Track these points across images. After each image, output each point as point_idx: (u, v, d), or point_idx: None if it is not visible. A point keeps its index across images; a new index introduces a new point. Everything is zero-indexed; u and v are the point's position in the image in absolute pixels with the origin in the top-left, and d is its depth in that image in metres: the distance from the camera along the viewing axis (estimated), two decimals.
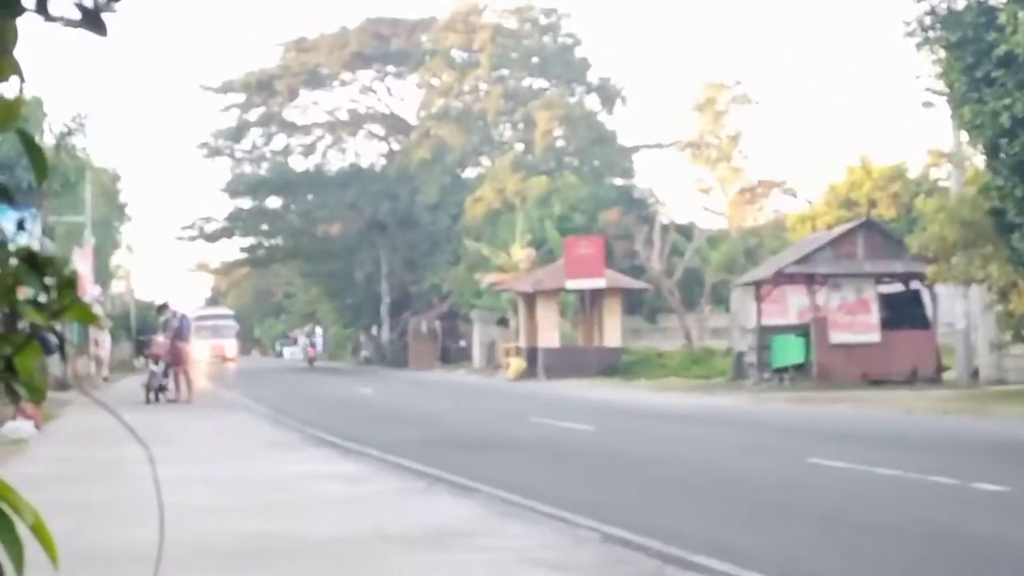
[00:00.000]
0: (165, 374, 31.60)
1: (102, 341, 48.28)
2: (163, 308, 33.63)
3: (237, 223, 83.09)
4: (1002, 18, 22.96)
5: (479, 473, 14.64)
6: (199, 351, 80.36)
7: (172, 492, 12.61)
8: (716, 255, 57.22)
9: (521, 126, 74.96)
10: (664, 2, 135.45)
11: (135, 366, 59.54)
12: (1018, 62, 22.87)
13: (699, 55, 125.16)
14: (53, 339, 2.20)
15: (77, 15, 2.18)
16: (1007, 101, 23.10)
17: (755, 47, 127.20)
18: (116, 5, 2.19)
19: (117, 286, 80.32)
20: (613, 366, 47.39)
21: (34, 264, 2.13)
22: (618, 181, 72.76)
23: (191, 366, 33.32)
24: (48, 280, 2.14)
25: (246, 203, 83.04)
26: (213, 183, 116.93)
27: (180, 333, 31.89)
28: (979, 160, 29.89)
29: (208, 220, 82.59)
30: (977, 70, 24.10)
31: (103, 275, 62.63)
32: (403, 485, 14.11)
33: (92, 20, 2.19)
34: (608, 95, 76.60)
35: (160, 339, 31.79)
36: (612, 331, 50.36)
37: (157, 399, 31.03)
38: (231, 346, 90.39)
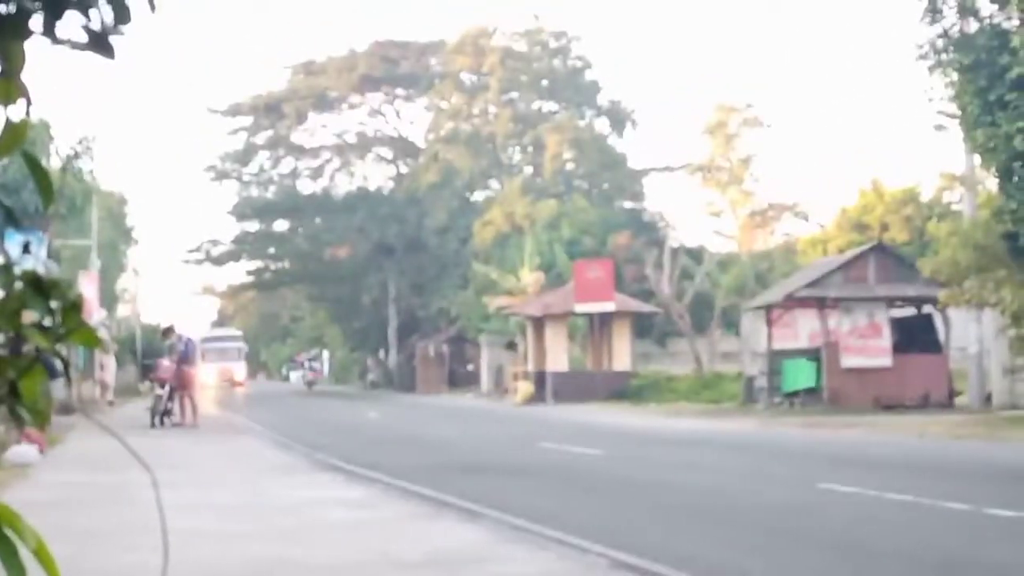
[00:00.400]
0: (170, 398, 31.44)
1: (107, 365, 48.16)
2: (168, 332, 33.46)
3: (244, 246, 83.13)
4: (1015, 41, 22.88)
5: (487, 498, 14.48)
6: (206, 375, 79.38)
7: (177, 517, 12.48)
8: (726, 279, 57.12)
9: (530, 149, 74.97)
10: (675, 26, 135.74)
11: (140, 390, 59.45)
12: None
13: (710, 78, 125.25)
14: (58, 363, 2.17)
15: (85, 38, 2.12)
16: (1021, 124, 23.01)
17: (767, 70, 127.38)
18: (124, 28, 2.13)
19: (123, 309, 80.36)
20: (622, 390, 47.21)
21: (39, 288, 2.10)
22: (628, 204, 72.72)
23: (196, 390, 33.15)
24: (53, 304, 2.11)
25: (253, 226, 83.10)
26: (220, 206, 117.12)
27: (185, 357, 31.73)
28: (992, 183, 29.77)
29: (215, 243, 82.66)
30: (990, 93, 24.00)
31: (109, 298, 62.60)
32: (411, 510, 13.95)
33: (100, 43, 2.13)
34: (618, 118, 76.61)
35: (165, 363, 31.64)
36: (621, 355, 50.20)
37: (162, 423, 30.88)
38: (240, 369, 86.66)
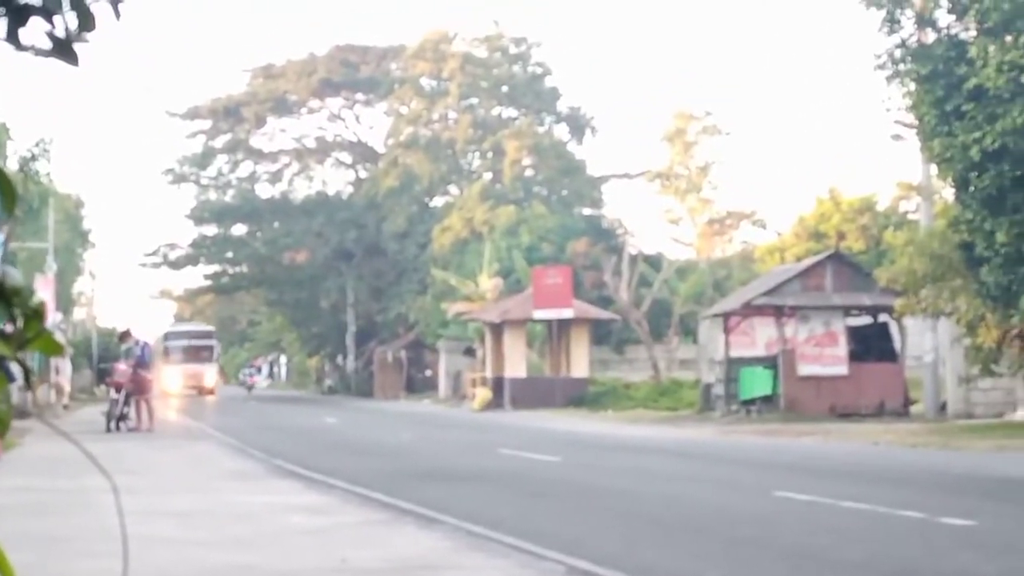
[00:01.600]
0: (126, 403, 31.23)
1: (63, 369, 47.78)
2: (125, 336, 33.25)
3: (202, 250, 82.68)
4: (972, 52, 23.03)
5: (445, 505, 14.47)
6: (170, 379, 71.75)
7: (134, 523, 12.40)
8: (684, 286, 57.26)
9: (490, 155, 74.95)
10: (635, 34, 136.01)
11: (96, 394, 59.05)
12: (988, 96, 22.91)
13: (670, 86, 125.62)
14: (16, 368, 2.13)
15: (48, 44, 2.08)
16: (977, 135, 23.13)
17: (726, 78, 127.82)
18: (88, 36, 2.10)
19: (79, 313, 79.77)
20: (580, 397, 47.25)
21: (1, 294, 2.08)
22: (587, 211, 72.80)
23: (153, 395, 32.94)
24: (15, 311, 2.09)
25: (211, 230, 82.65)
26: (178, 210, 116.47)
27: (142, 361, 31.53)
28: (948, 193, 29.97)
29: (172, 247, 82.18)
30: (947, 103, 24.15)
31: (65, 302, 62.14)
32: (368, 517, 13.92)
33: (64, 50, 2.10)
34: (577, 125, 76.70)
35: (122, 367, 31.41)
36: (579, 362, 50.24)
37: (118, 428, 30.66)
38: (211, 373, 76.13)
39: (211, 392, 72.86)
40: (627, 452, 24.63)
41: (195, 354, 75.72)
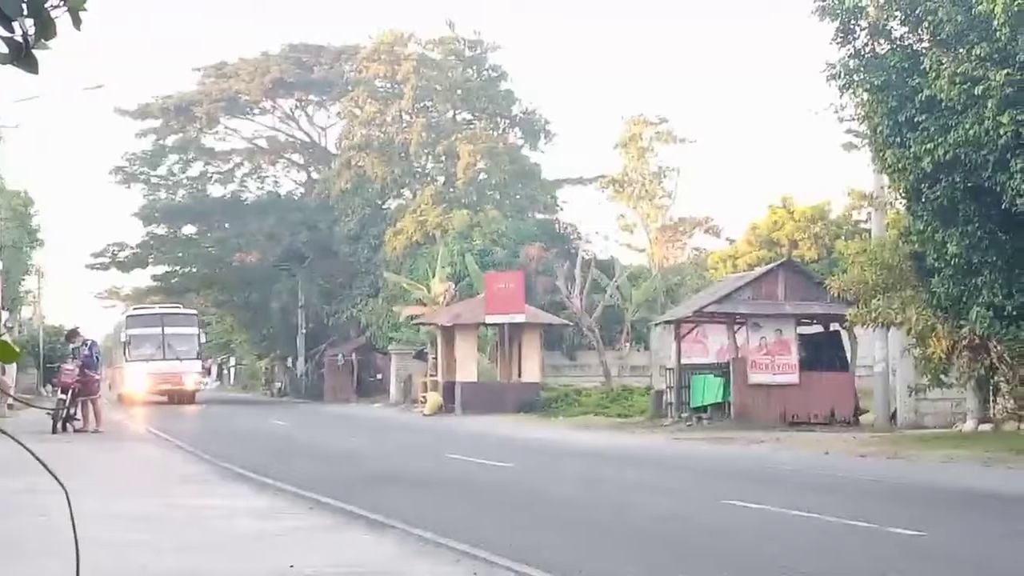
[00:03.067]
0: (73, 403, 30.93)
1: (7, 368, 47.27)
2: (73, 335, 32.94)
3: (151, 251, 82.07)
4: (926, 63, 23.12)
5: (395, 510, 14.38)
6: (134, 380, 57.88)
7: (81, 526, 12.24)
8: (637, 292, 57.36)
9: (444, 158, 74.79)
10: (591, 39, 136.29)
11: (42, 394, 58.49)
12: (941, 107, 23.02)
13: (625, 92, 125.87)
14: None
15: (6, 51, 2.00)
16: (929, 146, 23.23)
17: (681, 85, 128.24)
18: (49, 43, 2.02)
19: (26, 312, 79.03)
20: (531, 402, 47.20)
21: None
22: (540, 216, 72.77)
23: (101, 395, 32.62)
24: None
25: (161, 230, 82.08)
26: (127, 209, 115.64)
27: (89, 361, 31.22)
28: (900, 204, 30.12)
29: (121, 247, 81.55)
30: (900, 114, 24.24)
31: (12, 300, 61.54)
32: (318, 521, 13.82)
33: (23, 58, 2.01)
34: (532, 129, 76.67)
35: (69, 367, 31.08)
36: (531, 367, 50.20)
37: (65, 429, 30.35)
38: (192, 373, 59.13)
39: (191, 398, 57.54)
40: (578, 458, 24.61)
41: (169, 346, 57.41)
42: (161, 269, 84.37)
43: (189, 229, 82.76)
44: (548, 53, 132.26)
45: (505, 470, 21.08)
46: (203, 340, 61.86)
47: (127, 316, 63.26)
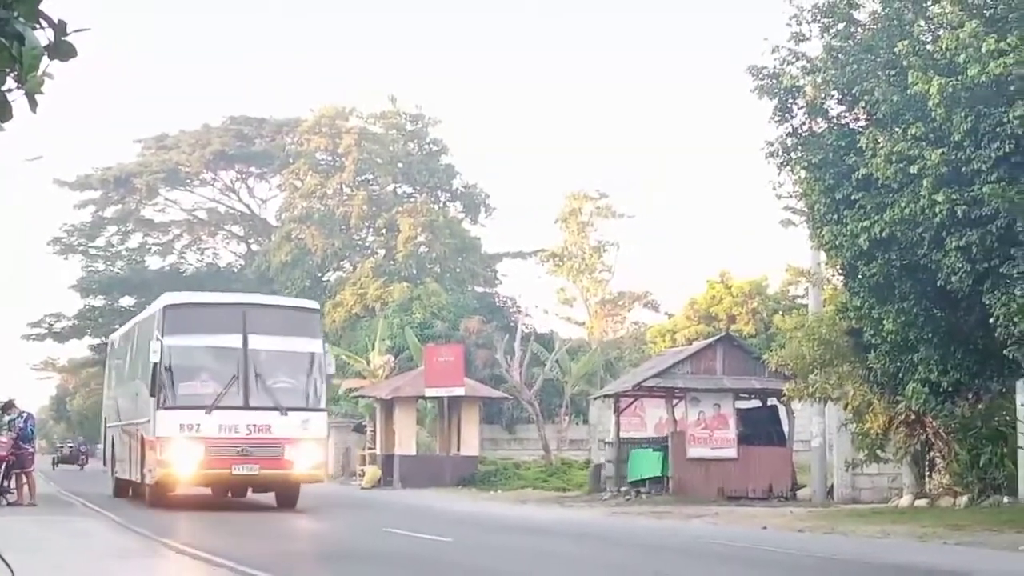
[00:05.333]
0: (7, 476, 30.51)
1: None
2: (8, 407, 32.53)
3: (88, 322, 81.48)
4: (862, 141, 23.45)
5: None
6: (174, 451, 27.05)
7: None
8: (576, 366, 57.44)
9: (384, 231, 74.94)
10: (533, 114, 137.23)
11: None
12: (877, 185, 23.33)
13: (566, 167, 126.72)
14: None
15: None
16: (865, 223, 23.51)
17: (621, 161, 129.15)
18: (5, 125, 2.04)
19: None
20: (470, 476, 47.01)
21: None
22: (480, 289, 72.95)
23: (34, 468, 32.17)
24: None
25: (98, 301, 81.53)
26: (65, 280, 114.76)
27: (24, 434, 30.83)
28: (837, 280, 30.41)
29: (58, 317, 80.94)
30: (837, 192, 24.55)
31: None
32: None
33: None
34: (473, 203, 77.03)
35: (3, 439, 30.67)
36: (470, 440, 50.02)
37: None
38: (305, 440, 27.86)
39: (293, 496, 29.50)
40: (518, 533, 24.51)
41: (260, 378, 27.63)
42: (98, 340, 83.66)
43: (127, 301, 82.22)
44: (489, 128, 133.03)
45: (444, 544, 20.96)
46: (330, 370, 29.45)
47: (165, 309, 28.71)
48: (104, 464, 38.13)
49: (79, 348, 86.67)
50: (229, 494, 32.07)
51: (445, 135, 78.54)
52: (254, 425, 27.18)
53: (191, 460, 27.06)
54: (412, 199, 75.68)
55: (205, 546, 19.43)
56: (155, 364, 27.06)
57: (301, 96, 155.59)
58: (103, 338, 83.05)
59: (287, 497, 29.45)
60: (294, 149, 78.09)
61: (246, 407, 27.19)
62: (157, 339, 27.09)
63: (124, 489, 33.36)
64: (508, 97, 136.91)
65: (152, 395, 27.20)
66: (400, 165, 76.36)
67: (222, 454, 27.07)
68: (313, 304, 31.07)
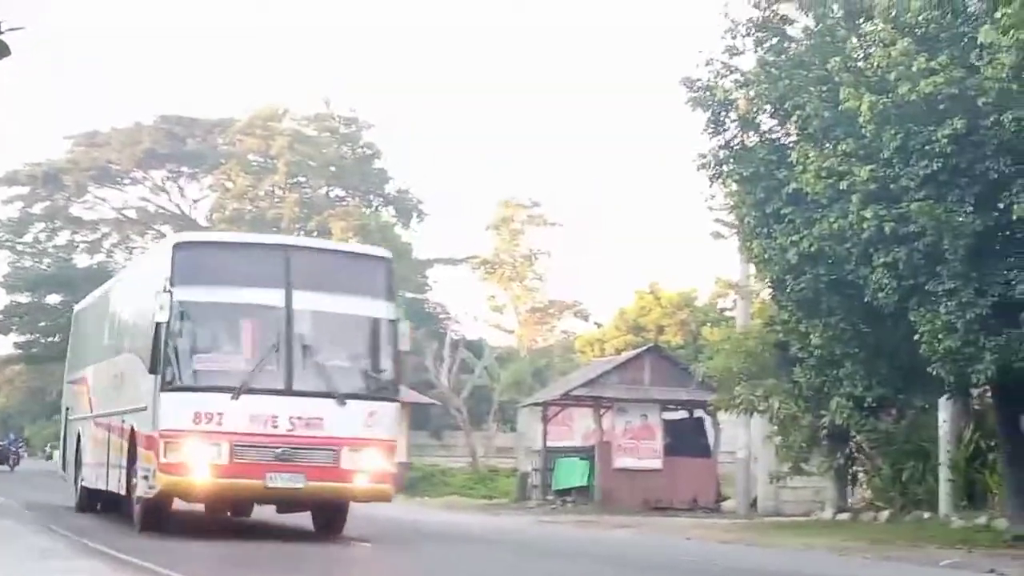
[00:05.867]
0: None
1: None
2: None
3: (13, 319, 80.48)
4: (793, 156, 23.57)
5: None
6: (188, 450, 18.84)
7: None
8: (505, 374, 57.45)
9: (316, 235, 74.55)
10: (467, 121, 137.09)
11: None
12: (806, 200, 23.45)
13: (499, 174, 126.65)
14: None
15: None
16: (795, 238, 23.62)
17: (554, 170, 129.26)
18: None
19: None
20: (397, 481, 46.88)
21: None
22: (411, 295, 72.72)
23: None
24: None
25: (24, 298, 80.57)
26: None
27: None
28: (766, 293, 30.57)
29: None
30: (767, 205, 24.65)
31: None
32: None
33: None
34: (405, 208, 76.83)
35: None
36: (398, 446, 49.87)
37: None
38: (371, 446, 19.54)
39: (341, 518, 21.59)
40: (443, 541, 24.42)
41: (308, 350, 19.29)
42: (23, 338, 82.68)
43: (54, 298, 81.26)
44: (422, 133, 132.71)
45: (366, 550, 20.84)
46: (404, 345, 20.62)
47: (177, 249, 20.08)
48: (64, 469, 29.91)
49: (3, 345, 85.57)
50: (229, 513, 24.13)
51: (378, 139, 78.39)
52: (299, 418, 18.94)
53: (208, 465, 18.70)
54: (344, 203, 75.39)
55: (124, 546, 18.95)
56: (160, 327, 18.82)
57: (235, 97, 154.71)
58: (29, 335, 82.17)
59: (331, 518, 21.47)
60: (226, 150, 77.62)
61: (288, 391, 19.00)
62: (166, 291, 18.76)
63: (92, 503, 25.69)
64: (442, 102, 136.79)
65: (153, 371, 19.09)
66: (333, 168, 76.04)
67: (254, 457, 18.78)
68: (383, 252, 22.39)
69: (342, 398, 19.16)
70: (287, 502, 20.90)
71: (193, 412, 18.70)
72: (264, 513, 23.60)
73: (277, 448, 18.87)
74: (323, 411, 19.08)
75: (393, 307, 20.35)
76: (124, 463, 21.32)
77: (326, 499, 20.34)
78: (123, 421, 21.72)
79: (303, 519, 22.08)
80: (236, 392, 18.70)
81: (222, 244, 22.15)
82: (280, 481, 18.97)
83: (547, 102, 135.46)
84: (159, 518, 20.23)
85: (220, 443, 18.68)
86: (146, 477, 19.54)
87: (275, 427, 18.87)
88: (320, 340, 19.48)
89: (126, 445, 21.20)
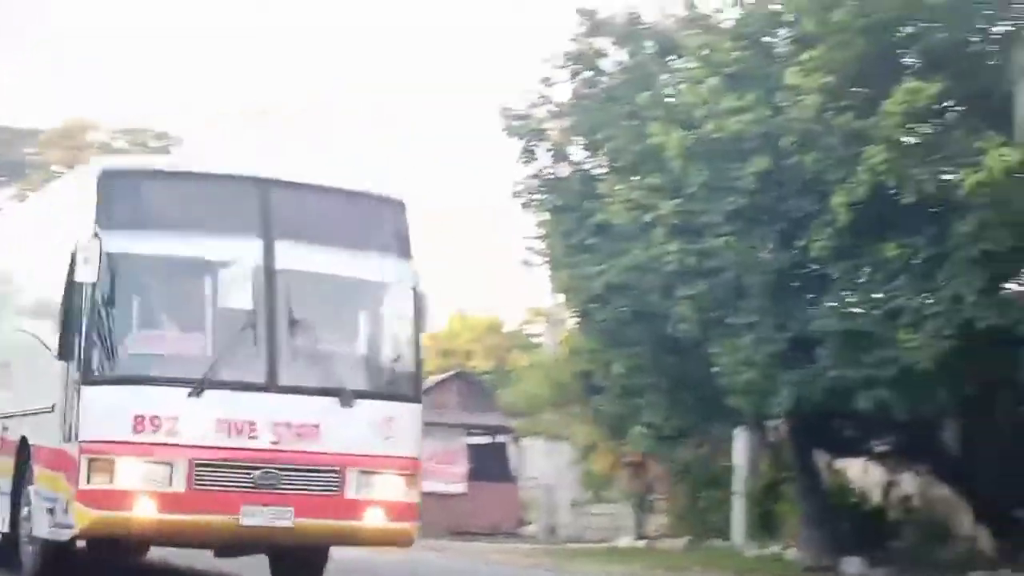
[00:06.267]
0: None
1: None
2: None
3: None
4: (602, 188, 23.81)
5: None
6: (126, 468, 12.32)
7: None
8: None
9: None
10: (274, 139, 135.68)
11: None
12: (613, 232, 23.68)
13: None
14: None
15: None
16: (601, 268, 23.81)
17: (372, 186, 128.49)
18: None
19: None
20: None
21: None
22: None
23: None
24: None
25: None
26: None
27: None
28: (573, 322, 30.81)
29: None
30: (575, 236, 24.83)
31: None
32: None
33: None
34: None
35: None
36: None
37: None
38: (400, 461, 14.07)
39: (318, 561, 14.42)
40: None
41: (312, 321, 13.07)
42: None
43: None
44: (235, 150, 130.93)
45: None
46: (427, 322, 14.81)
47: (103, 179, 12.84)
48: None
49: None
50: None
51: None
52: (287, 425, 12.70)
53: (155, 494, 12.26)
54: None
55: None
56: (80, 290, 12.63)
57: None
58: None
59: (301, 568, 14.79)
60: (32, 159, 75.71)
61: (271, 387, 12.73)
62: (95, 237, 12.36)
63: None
64: (250, 118, 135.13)
65: (64, 356, 12.82)
66: None
67: (223, 482, 12.49)
68: (395, 195, 14.53)
69: (348, 397, 13.11)
70: (269, 543, 13.55)
71: (132, 415, 12.24)
72: (189, 558, 16.95)
73: (256, 469, 12.55)
74: (321, 416, 12.89)
75: (412, 270, 14.39)
76: (8, 490, 14.35)
77: (323, 542, 13.99)
78: (5, 430, 14.84)
79: (253, 566, 14.90)
80: (196, 386, 12.39)
81: (173, 175, 13.79)
82: (260, 517, 12.54)
83: (360, 117, 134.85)
84: (63, 567, 13.44)
85: (174, 461, 12.29)
86: (51, 510, 12.84)
87: (253, 438, 12.54)
88: (315, 313, 13.24)
89: (11, 464, 14.29)
